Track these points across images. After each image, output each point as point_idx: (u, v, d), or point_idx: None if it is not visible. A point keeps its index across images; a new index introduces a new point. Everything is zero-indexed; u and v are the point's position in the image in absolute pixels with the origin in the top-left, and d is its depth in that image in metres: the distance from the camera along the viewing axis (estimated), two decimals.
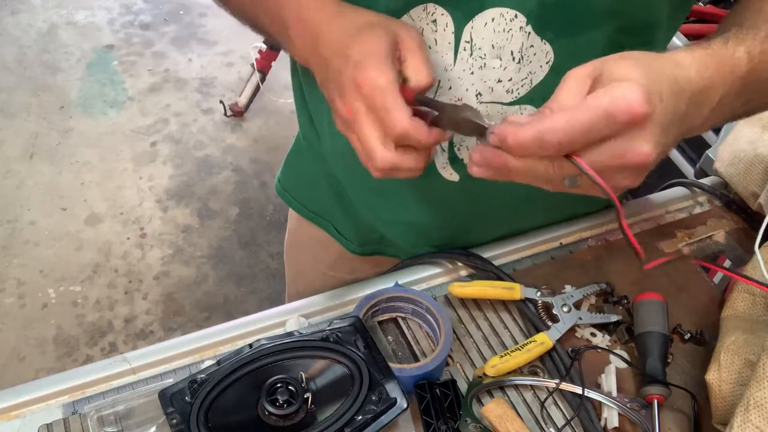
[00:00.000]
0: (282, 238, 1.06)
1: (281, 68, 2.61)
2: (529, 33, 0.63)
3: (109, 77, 2.82)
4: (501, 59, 0.65)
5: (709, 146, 1.02)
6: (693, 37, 1.53)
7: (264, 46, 2.48)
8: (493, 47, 0.64)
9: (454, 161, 0.74)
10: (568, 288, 0.79)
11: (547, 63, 0.66)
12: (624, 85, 0.47)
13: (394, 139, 0.54)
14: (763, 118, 0.87)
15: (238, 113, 2.68)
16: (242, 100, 2.66)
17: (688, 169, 1.65)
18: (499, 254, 0.85)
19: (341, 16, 0.59)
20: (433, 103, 0.57)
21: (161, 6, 3.18)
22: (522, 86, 0.67)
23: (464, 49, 0.65)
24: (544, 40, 0.64)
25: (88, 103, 2.71)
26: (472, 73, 0.66)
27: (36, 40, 2.96)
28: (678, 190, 0.96)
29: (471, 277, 0.83)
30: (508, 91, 0.67)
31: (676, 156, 1.70)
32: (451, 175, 0.75)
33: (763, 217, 0.82)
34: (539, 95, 0.68)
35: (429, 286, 0.82)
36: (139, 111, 2.70)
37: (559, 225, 0.89)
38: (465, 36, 0.64)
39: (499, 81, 0.66)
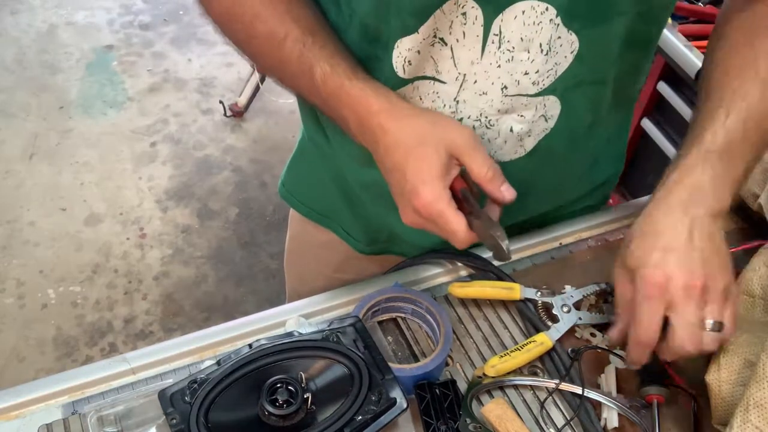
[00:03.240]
0: (282, 239, 1.05)
1: None
2: (558, 25, 0.64)
3: (108, 77, 2.82)
4: (529, 52, 0.65)
5: None
6: (693, 38, 1.53)
7: None
8: (522, 40, 0.65)
9: None
10: (567, 288, 0.79)
11: (571, 53, 0.67)
12: (641, 274, 0.64)
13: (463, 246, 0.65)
14: None
15: (237, 113, 2.68)
16: (242, 100, 2.65)
17: None
18: None
19: (398, 123, 0.65)
20: (472, 205, 0.66)
21: (161, 6, 3.18)
22: (547, 77, 0.68)
23: (492, 42, 0.65)
24: (570, 31, 0.65)
25: (88, 103, 2.71)
26: (499, 66, 0.66)
27: (36, 40, 2.95)
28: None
29: (471, 278, 0.83)
30: (534, 83, 0.68)
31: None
32: None
33: (764, 218, 0.82)
34: (562, 85, 0.69)
35: (429, 286, 0.82)
36: (139, 111, 2.69)
37: (559, 225, 0.89)
38: (494, 29, 0.64)
39: (526, 73, 0.67)
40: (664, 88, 1.65)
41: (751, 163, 0.68)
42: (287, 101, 2.69)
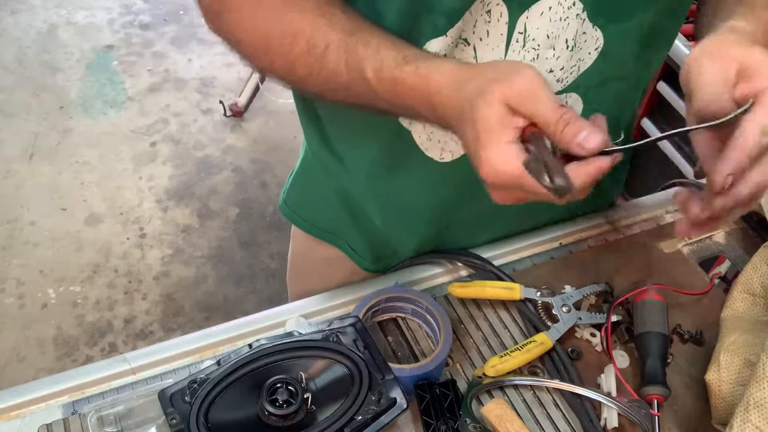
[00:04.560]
0: (282, 238, 1.05)
1: None
2: (584, 20, 0.63)
3: (108, 77, 2.82)
4: (555, 48, 0.65)
5: None
6: (693, 38, 1.53)
7: None
8: (548, 37, 0.64)
9: None
10: (567, 288, 0.79)
11: (596, 50, 0.66)
12: None
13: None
14: None
15: (237, 113, 2.68)
16: (242, 100, 2.65)
17: (688, 169, 1.65)
18: (499, 254, 0.85)
19: (456, 95, 0.56)
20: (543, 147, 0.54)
21: (161, 6, 3.18)
22: (571, 74, 0.67)
23: (516, 41, 0.64)
24: (595, 27, 0.64)
25: (88, 103, 2.71)
26: None
27: (36, 40, 2.95)
28: (678, 191, 0.96)
29: (471, 277, 0.83)
30: (558, 80, 0.67)
31: (676, 156, 1.70)
32: None
33: (763, 217, 0.82)
34: (585, 82, 0.68)
35: (429, 286, 0.82)
36: (139, 111, 2.69)
37: (559, 225, 0.89)
38: (519, 27, 0.63)
39: (551, 71, 0.66)
40: (664, 88, 1.65)
41: None
42: (287, 101, 2.69)
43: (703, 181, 0.98)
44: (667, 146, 1.72)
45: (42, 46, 2.93)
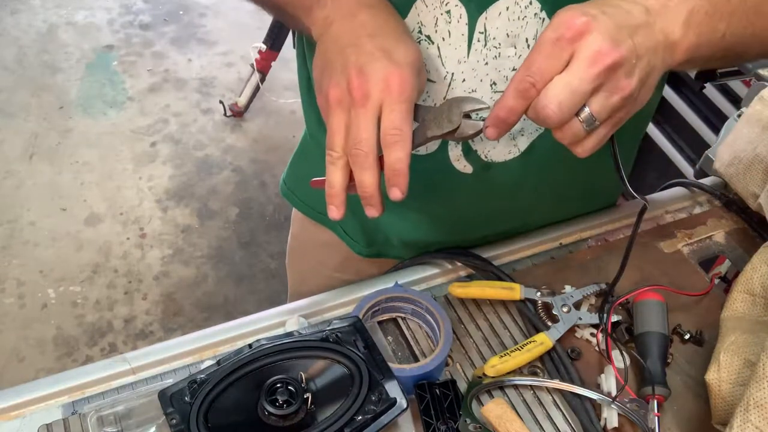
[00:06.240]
0: (282, 238, 1.06)
1: (281, 68, 2.61)
2: (543, 19, 0.64)
3: (108, 77, 2.82)
4: (516, 47, 0.66)
5: (708, 146, 1.03)
6: None
7: (264, 47, 2.48)
8: (508, 36, 0.65)
9: (468, 153, 0.74)
10: (567, 288, 0.79)
11: None
12: (559, 13, 0.53)
13: (389, 150, 0.58)
14: (763, 118, 0.87)
15: (237, 113, 2.68)
16: (242, 100, 2.65)
17: (687, 170, 1.65)
18: (499, 254, 0.85)
19: (383, 8, 0.61)
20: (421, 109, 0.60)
21: (161, 6, 3.18)
22: None
23: (478, 41, 0.65)
24: None
25: (88, 103, 2.71)
26: (487, 63, 0.67)
27: (36, 40, 2.95)
28: (678, 191, 0.96)
29: (471, 278, 0.83)
30: None
31: (676, 156, 1.70)
32: (464, 167, 0.75)
33: (763, 217, 0.82)
34: None
35: (429, 286, 0.82)
36: (139, 111, 2.69)
37: (559, 225, 0.89)
38: (479, 27, 0.65)
39: (514, 69, 0.67)
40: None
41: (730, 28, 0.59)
42: (287, 101, 2.69)
43: (704, 181, 0.98)
44: (666, 146, 1.72)
45: (42, 46, 2.93)
